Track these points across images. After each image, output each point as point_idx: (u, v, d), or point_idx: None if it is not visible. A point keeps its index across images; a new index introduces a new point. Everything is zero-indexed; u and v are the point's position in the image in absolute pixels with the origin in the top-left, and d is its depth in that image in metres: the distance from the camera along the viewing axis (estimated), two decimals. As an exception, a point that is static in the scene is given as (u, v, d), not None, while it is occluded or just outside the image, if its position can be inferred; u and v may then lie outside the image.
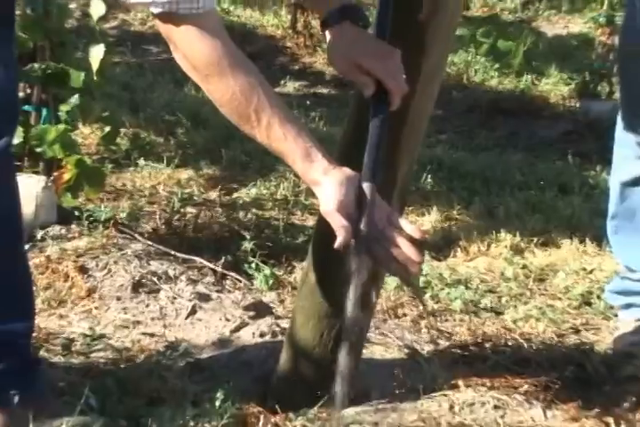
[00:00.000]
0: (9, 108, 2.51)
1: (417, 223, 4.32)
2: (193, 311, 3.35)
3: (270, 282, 3.68)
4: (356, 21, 2.45)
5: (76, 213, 3.98)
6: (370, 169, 2.27)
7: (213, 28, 2.22)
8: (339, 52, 2.45)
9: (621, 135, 3.42)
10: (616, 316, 3.57)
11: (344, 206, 2.20)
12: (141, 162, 4.88)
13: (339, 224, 2.19)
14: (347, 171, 2.23)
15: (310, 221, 4.25)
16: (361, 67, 2.38)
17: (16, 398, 2.47)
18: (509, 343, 3.29)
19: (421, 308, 2.75)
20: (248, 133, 2.25)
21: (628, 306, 3.50)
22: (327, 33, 2.47)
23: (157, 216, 4.19)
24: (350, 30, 2.44)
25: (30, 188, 3.74)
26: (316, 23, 8.63)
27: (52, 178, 3.95)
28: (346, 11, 2.46)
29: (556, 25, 10.62)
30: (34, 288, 2.73)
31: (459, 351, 3.19)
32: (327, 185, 2.21)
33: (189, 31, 2.19)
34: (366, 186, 2.24)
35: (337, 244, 2.19)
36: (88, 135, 4.89)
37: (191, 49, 2.21)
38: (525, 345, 3.29)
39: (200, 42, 2.20)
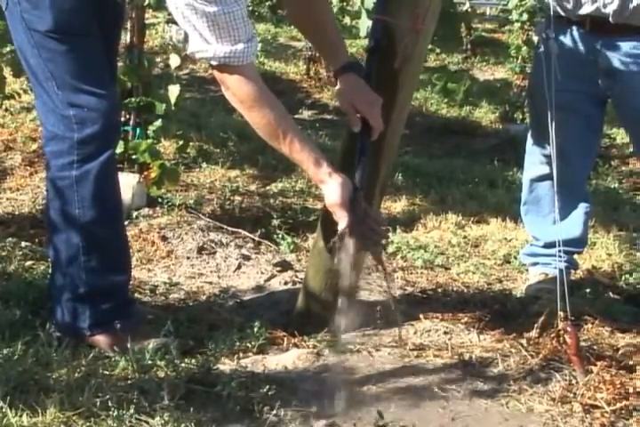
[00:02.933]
0: (114, 128, 2.51)
1: (385, 212, 4.30)
2: (239, 267, 3.34)
3: (291, 247, 3.66)
4: (357, 73, 2.47)
5: (159, 199, 3.96)
6: (358, 181, 2.31)
7: (253, 75, 2.23)
8: (342, 96, 2.48)
9: (530, 147, 3.42)
10: (527, 271, 3.56)
11: (344, 202, 2.22)
12: (204, 165, 4.85)
13: (340, 215, 2.23)
14: (343, 176, 2.26)
15: (319, 206, 4.23)
16: (355, 108, 2.39)
17: (118, 326, 2.47)
18: (455, 289, 3.28)
19: (385, 273, 2.76)
20: (275, 147, 2.26)
21: (535, 264, 3.49)
22: (338, 81, 2.49)
23: (214, 202, 4.17)
24: (352, 80, 2.46)
25: (128, 182, 3.73)
26: (322, 71, 8.60)
27: (143, 176, 3.93)
28: (350, 66, 2.49)
29: (486, 72, 10.57)
30: (130, 251, 2.72)
31: (420, 295, 3.17)
32: (331, 185, 2.24)
33: (237, 77, 2.20)
34: (360, 193, 2.28)
35: (340, 229, 2.21)
36: (167, 147, 4.87)
37: (239, 89, 2.21)
38: (465, 290, 3.27)
39: (245, 84, 2.20)
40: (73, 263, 2.48)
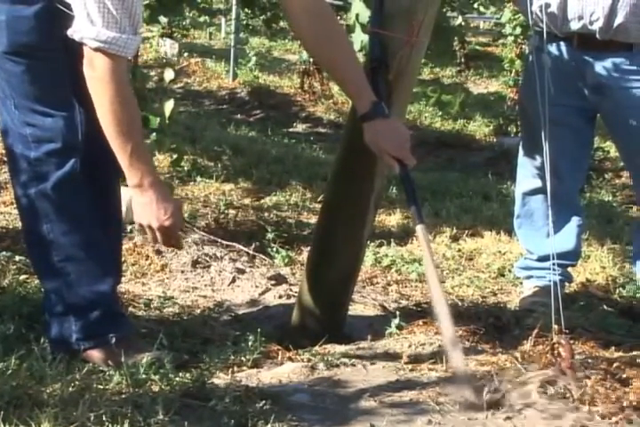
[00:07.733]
0: (72, 147, 2.45)
1: (379, 226, 4.30)
2: (233, 280, 3.34)
3: (286, 260, 3.67)
4: (381, 116, 2.44)
5: (154, 213, 3.96)
6: (417, 215, 2.44)
7: (124, 71, 2.22)
8: (371, 142, 2.45)
9: (523, 160, 3.43)
10: (521, 284, 3.56)
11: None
12: (198, 179, 4.86)
13: (179, 216, 2.31)
14: (166, 187, 2.35)
15: (313, 219, 4.24)
16: (386, 152, 2.42)
17: (113, 340, 2.46)
18: (449, 302, 3.27)
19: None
20: (115, 143, 2.23)
21: (529, 277, 3.49)
22: (364, 126, 2.45)
23: (209, 215, 4.18)
24: (378, 125, 2.43)
25: (122, 196, 3.72)
26: (317, 84, 8.63)
27: (137, 189, 3.93)
28: (374, 112, 2.44)
29: (480, 86, 10.61)
30: (116, 260, 2.70)
31: (414, 308, 3.17)
32: (165, 190, 2.31)
33: (111, 66, 2.18)
34: (419, 227, 2.42)
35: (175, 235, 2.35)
36: (162, 160, 4.88)
37: (109, 78, 2.18)
38: (460, 304, 3.28)
39: (116, 76, 2.18)
40: (52, 277, 2.49)
